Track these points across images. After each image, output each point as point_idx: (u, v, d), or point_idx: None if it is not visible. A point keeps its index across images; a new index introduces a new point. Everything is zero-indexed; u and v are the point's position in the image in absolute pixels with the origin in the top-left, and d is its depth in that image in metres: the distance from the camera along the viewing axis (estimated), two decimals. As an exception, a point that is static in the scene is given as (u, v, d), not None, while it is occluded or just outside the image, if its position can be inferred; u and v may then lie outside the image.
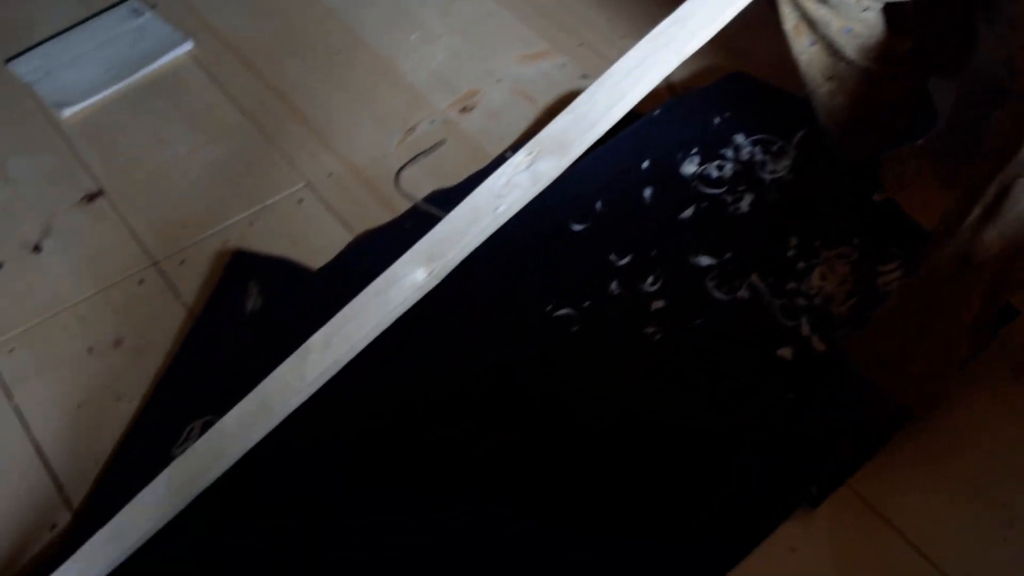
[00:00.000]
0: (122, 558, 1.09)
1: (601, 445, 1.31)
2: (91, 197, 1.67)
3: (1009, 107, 1.13)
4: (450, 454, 1.31)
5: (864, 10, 1.37)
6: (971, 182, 1.14)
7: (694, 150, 1.66)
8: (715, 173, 1.63)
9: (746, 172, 1.63)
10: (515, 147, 1.69)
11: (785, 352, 1.39)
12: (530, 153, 1.03)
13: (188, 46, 1.95)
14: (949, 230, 1.17)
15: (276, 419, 1.06)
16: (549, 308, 1.45)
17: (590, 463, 1.30)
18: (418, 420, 1.34)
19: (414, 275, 1.03)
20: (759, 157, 1.64)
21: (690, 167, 1.64)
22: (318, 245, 1.56)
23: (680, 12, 1.09)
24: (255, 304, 1.46)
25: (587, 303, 1.46)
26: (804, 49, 1.44)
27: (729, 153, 1.66)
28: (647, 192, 1.60)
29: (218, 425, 1.05)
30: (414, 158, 1.70)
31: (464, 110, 1.77)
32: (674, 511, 1.25)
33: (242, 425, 1.05)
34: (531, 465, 1.30)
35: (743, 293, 1.46)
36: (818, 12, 1.37)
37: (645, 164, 1.63)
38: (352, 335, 1.03)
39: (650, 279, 1.49)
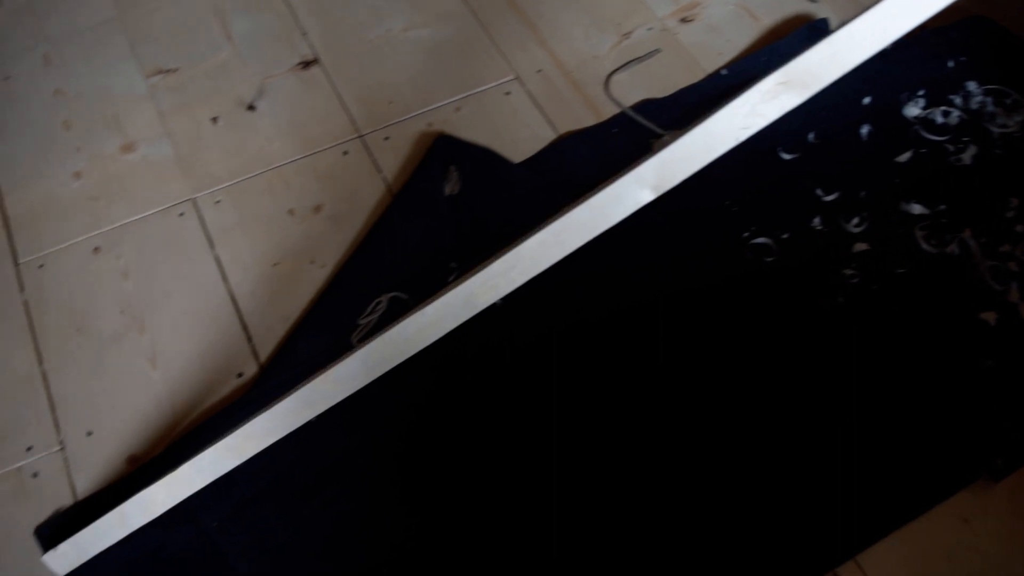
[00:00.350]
0: (307, 419, 1.14)
1: (781, 388, 1.30)
2: (306, 64, 1.71)
3: None
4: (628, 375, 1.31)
5: None
6: None
7: (920, 92, 1.59)
8: (940, 119, 1.56)
9: (973, 122, 1.55)
10: (730, 66, 1.65)
11: (988, 316, 1.34)
12: (780, 83, 1.00)
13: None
14: None
15: (471, 313, 1.08)
16: (746, 235, 1.43)
17: (770, 405, 1.28)
18: (599, 336, 1.34)
19: (640, 195, 1.03)
20: (990, 108, 1.57)
21: (913, 109, 1.57)
22: (521, 139, 1.57)
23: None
24: (453, 188, 1.48)
25: (786, 235, 1.43)
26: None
27: (958, 100, 1.58)
28: (864, 130, 1.55)
29: (419, 314, 1.07)
30: (626, 64, 1.68)
31: (684, 20, 1.74)
32: (852, 461, 1.23)
33: (441, 316, 1.07)
34: (705, 399, 1.29)
35: (953, 248, 1.41)
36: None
37: (866, 100, 1.58)
38: (566, 244, 1.03)
39: (855, 220, 1.45)
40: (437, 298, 1.06)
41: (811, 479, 1.21)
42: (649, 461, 1.24)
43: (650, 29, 1.73)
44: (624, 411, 1.27)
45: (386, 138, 1.59)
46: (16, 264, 1.46)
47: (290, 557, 1.18)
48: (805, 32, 1.68)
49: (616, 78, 1.66)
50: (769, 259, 1.41)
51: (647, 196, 1.03)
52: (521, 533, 1.19)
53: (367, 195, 1.51)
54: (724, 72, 1.64)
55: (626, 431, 1.26)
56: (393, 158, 1.56)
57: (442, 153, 1.53)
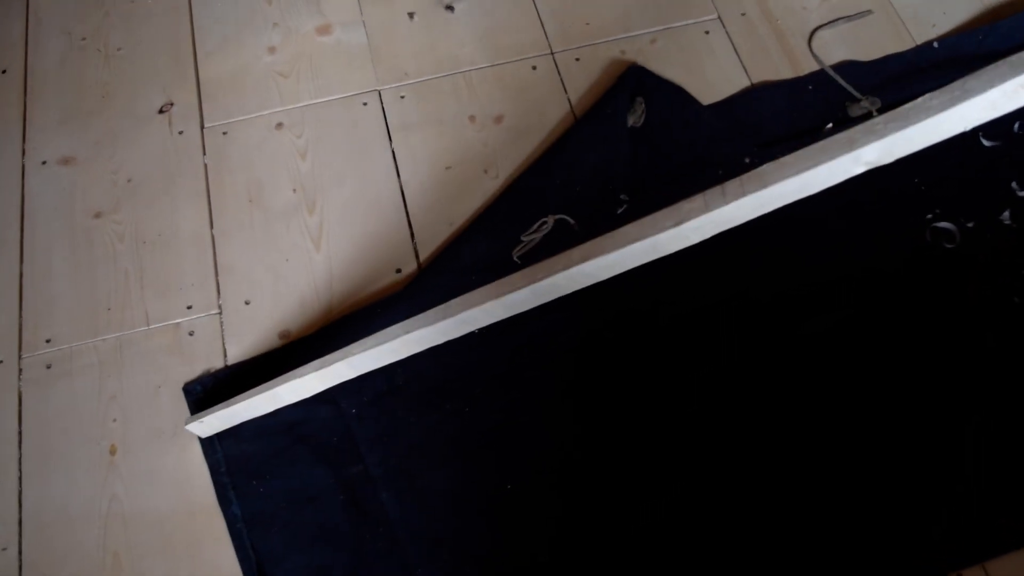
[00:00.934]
0: (459, 333, 1.15)
1: (938, 377, 1.26)
2: (510, -28, 1.70)
3: None
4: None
5: None
6: None
7: None
8: None
9: None
10: (942, 40, 1.58)
11: None
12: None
13: None
14: None
15: (654, 257, 1.06)
16: (930, 216, 1.38)
17: (923, 393, 1.25)
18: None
19: (853, 168, 0.99)
20: None
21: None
22: (713, 80, 1.54)
23: None
24: (637, 120, 1.46)
25: (971, 224, 1.37)
26: None
27: None
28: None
29: (602, 257, 1.06)
30: (834, 20, 1.62)
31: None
32: (995, 462, 1.19)
33: (624, 259, 1.05)
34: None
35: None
36: None
37: None
38: (764, 206, 1.01)
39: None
40: (620, 241, 1.05)
41: (957, 477, 1.18)
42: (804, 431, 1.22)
43: (871, -8, 1.66)
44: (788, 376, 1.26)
45: (577, 59, 1.57)
46: (202, 128, 1.51)
47: (418, 453, 1.21)
48: None
49: (820, 34, 1.61)
50: (950, 245, 1.36)
51: (859, 170, 1.00)
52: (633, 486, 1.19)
53: (550, 113, 1.51)
54: (935, 45, 1.57)
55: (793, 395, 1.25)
56: (581, 80, 1.55)
57: (632, 83, 1.51)
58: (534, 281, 1.07)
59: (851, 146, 0.99)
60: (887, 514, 1.17)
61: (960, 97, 0.98)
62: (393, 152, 1.48)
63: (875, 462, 1.20)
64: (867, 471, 1.19)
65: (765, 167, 1.02)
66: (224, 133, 1.50)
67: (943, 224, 1.38)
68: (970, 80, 1.01)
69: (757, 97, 1.52)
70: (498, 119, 1.51)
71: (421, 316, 1.14)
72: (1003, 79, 0.97)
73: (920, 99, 1.02)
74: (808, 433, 1.22)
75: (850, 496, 1.18)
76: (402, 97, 1.54)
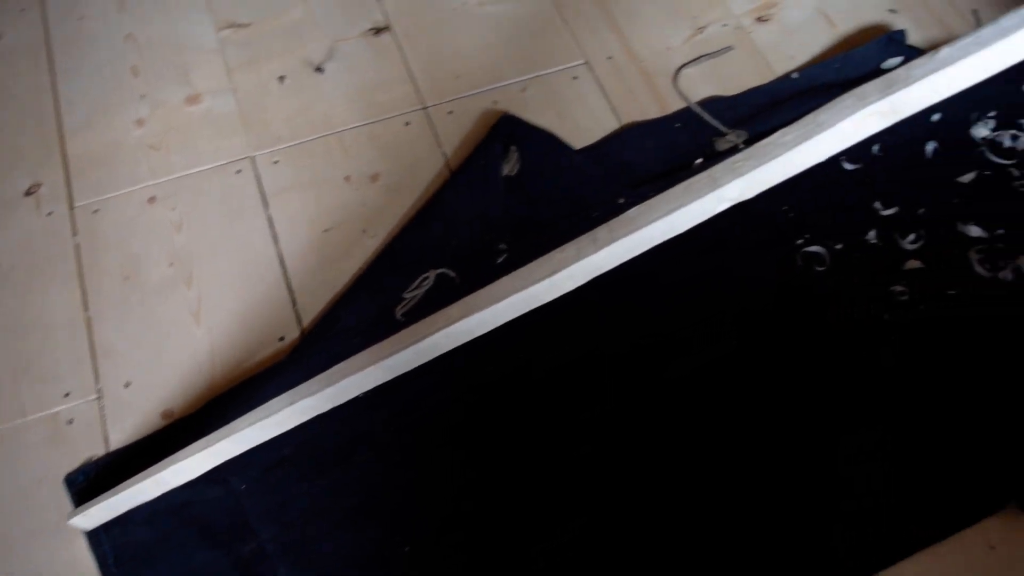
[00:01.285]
0: (343, 399, 1.15)
1: (815, 399, 1.29)
2: (378, 30, 1.71)
3: None
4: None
5: None
6: None
7: (991, 114, 1.56)
8: (1008, 142, 1.53)
9: (1043, 149, 1.53)
10: (802, 71, 1.63)
11: (1037, 345, 1.32)
12: (876, 113, 0.98)
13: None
14: None
15: (530, 307, 1.08)
16: (800, 242, 1.42)
17: (802, 415, 1.28)
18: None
19: (717, 207, 1.02)
20: (1062, 136, 1.54)
21: (982, 131, 1.55)
22: (584, 125, 1.56)
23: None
24: (512, 169, 1.48)
25: (839, 246, 1.42)
26: None
27: (1032, 127, 1.55)
28: (930, 147, 1.53)
29: (480, 313, 1.07)
30: (697, 58, 1.66)
31: (760, 19, 1.72)
32: (882, 479, 1.22)
33: (501, 313, 1.07)
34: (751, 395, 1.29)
35: (1006, 274, 1.39)
36: None
37: (935, 117, 1.55)
38: (633, 250, 1.03)
39: (911, 236, 1.43)
40: (497, 295, 1.06)
41: (839, 495, 1.21)
42: (687, 469, 1.24)
43: (725, 25, 1.71)
44: (670, 407, 1.28)
45: (450, 112, 1.59)
46: (72, 207, 1.48)
47: (311, 523, 1.20)
48: (884, 42, 1.65)
49: (685, 72, 1.65)
50: (821, 268, 1.40)
51: (723, 207, 1.03)
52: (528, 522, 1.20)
53: (425, 168, 1.52)
54: (795, 76, 1.63)
55: (674, 427, 1.26)
56: (455, 133, 1.56)
57: (504, 133, 1.54)
58: (415, 342, 1.08)
59: (714, 185, 1.02)
60: (778, 539, 1.19)
61: (813, 131, 1.03)
62: (270, 218, 1.47)
63: (761, 487, 1.22)
64: (755, 497, 1.22)
65: (632, 211, 1.04)
66: (95, 211, 1.48)
67: (813, 248, 1.42)
68: (821, 113, 1.05)
69: (628, 138, 1.56)
70: (374, 177, 1.51)
71: (305, 385, 1.13)
72: (851, 111, 1.02)
73: (776, 134, 1.06)
74: (697, 467, 1.24)
75: (742, 524, 1.20)
76: (276, 162, 1.53)
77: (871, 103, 0.97)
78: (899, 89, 0.97)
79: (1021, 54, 0.98)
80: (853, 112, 0.98)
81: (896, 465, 1.24)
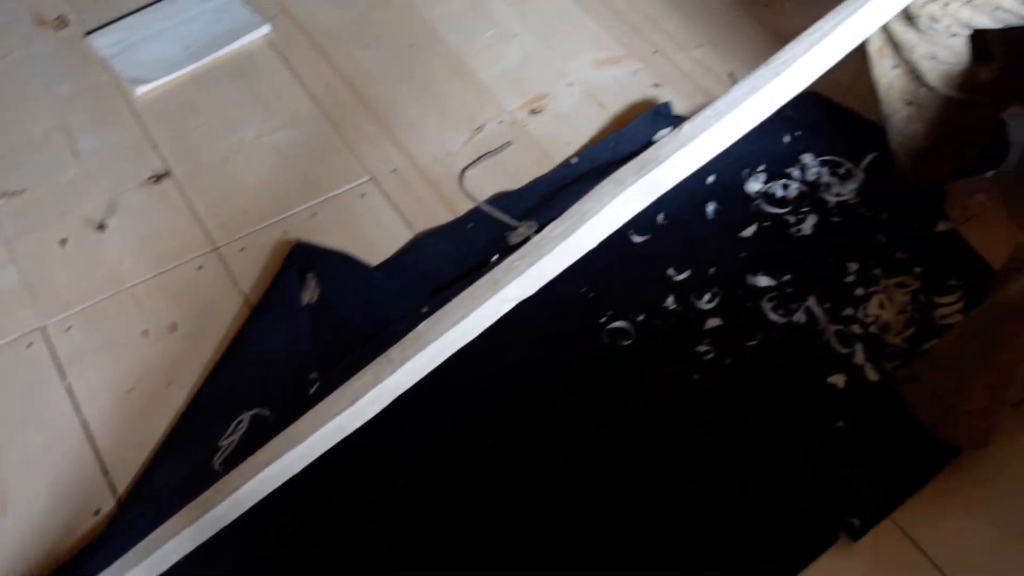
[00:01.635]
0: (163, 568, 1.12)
1: (638, 466, 1.32)
2: (158, 178, 1.70)
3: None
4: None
5: (952, 36, 1.36)
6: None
7: (761, 167, 1.65)
8: (780, 192, 1.63)
9: (811, 193, 1.62)
10: (580, 154, 1.69)
11: (837, 379, 1.39)
12: (635, 194, 1.03)
13: (265, 29, 1.98)
14: (1019, 267, 1.16)
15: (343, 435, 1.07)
16: (603, 320, 1.46)
17: (629, 484, 1.30)
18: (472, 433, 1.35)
19: (503, 307, 1.04)
20: (825, 179, 1.63)
21: (755, 184, 1.63)
22: (378, 241, 1.58)
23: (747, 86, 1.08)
24: (312, 297, 1.48)
25: (642, 317, 1.47)
26: (886, 72, 1.43)
27: (796, 173, 1.65)
28: (710, 207, 1.60)
29: (291, 452, 1.06)
30: (479, 158, 1.71)
31: (533, 112, 1.78)
32: (710, 536, 1.25)
33: (312, 448, 1.06)
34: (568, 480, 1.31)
35: (799, 316, 1.46)
36: (905, 35, 1.36)
37: (711, 179, 1.63)
38: (431, 363, 1.04)
39: (707, 296, 1.49)
40: (300, 434, 1.05)
41: (672, 547, 1.24)
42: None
43: (501, 122, 1.77)
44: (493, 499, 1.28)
45: (242, 249, 1.59)
46: None
47: None
48: (650, 116, 1.73)
49: (470, 173, 1.69)
50: (626, 342, 1.44)
51: (508, 307, 1.05)
52: None
53: (224, 310, 1.51)
54: (574, 160, 1.69)
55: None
56: (250, 269, 1.56)
57: (299, 261, 1.54)
58: (229, 493, 1.06)
59: (495, 288, 1.05)
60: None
61: (580, 221, 1.06)
62: (69, 387, 1.43)
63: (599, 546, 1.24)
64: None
65: (422, 325, 1.06)
66: None
67: (617, 324, 1.46)
68: (586, 202, 1.10)
69: (423, 246, 1.58)
70: (172, 327, 1.49)
71: (120, 562, 1.09)
72: (612, 196, 1.06)
73: (547, 228, 1.10)
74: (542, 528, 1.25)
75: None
76: (68, 328, 1.49)
77: (629, 186, 1.02)
78: (652, 168, 1.02)
79: (758, 118, 1.05)
80: (614, 197, 1.03)
81: (726, 514, 1.27)
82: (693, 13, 1.95)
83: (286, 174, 1.69)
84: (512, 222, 1.58)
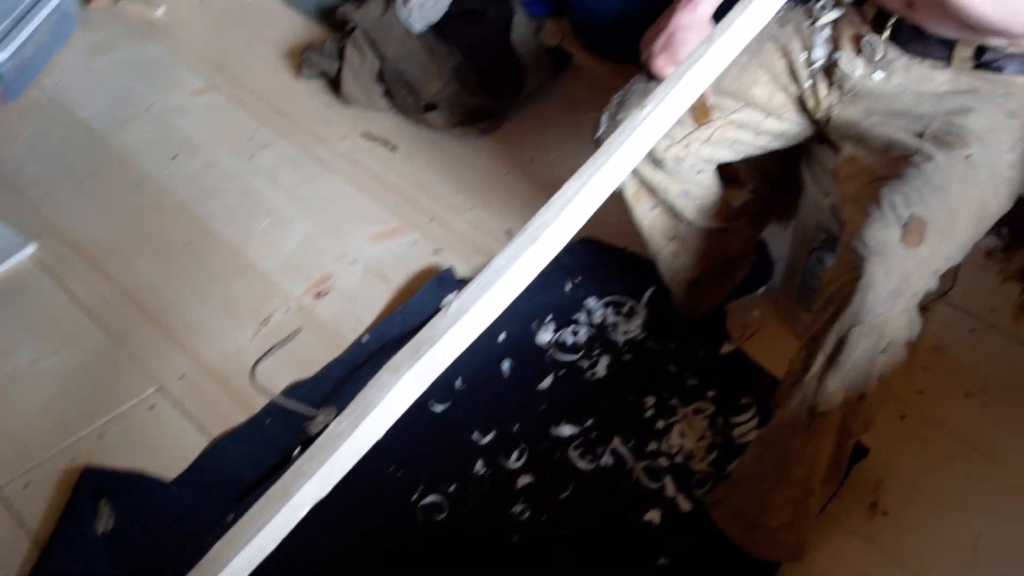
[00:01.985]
0: None
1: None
2: (-73, 420, 1.61)
3: (838, 256, 1.19)
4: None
5: (699, 172, 1.43)
6: (811, 333, 1.19)
7: (548, 318, 1.69)
8: (570, 339, 1.66)
9: (600, 335, 1.67)
10: (371, 331, 1.69)
11: (653, 515, 1.41)
12: (416, 375, 1.02)
13: (30, 250, 1.91)
14: (796, 381, 1.21)
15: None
16: (415, 497, 1.44)
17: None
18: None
19: (301, 511, 1.01)
20: (611, 319, 1.68)
21: (546, 335, 1.67)
22: (173, 453, 1.53)
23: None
24: (107, 525, 1.41)
25: (453, 487, 1.46)
26: (645, 214, 1.49)
27: (582, 318, 1.69)
28: (505, 365, 1.62)
29: None
30: (269, 350, 1.67)
31: (319, 295, 1.78)
32: None
33: None
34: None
35: (607, 459, 1.48)
36: (656, 178, 1.43)
37: (501, 337, 1.66)
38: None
39: (515, 455, 1.50)
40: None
41: None
42: None
43: (287, 310, 1.76)
44: None
45: (26, 486, 1.50)
46: None
47: None
48: (435, 284, 1.76)
49: (262, 367, 1.64)
50: (441, 516, 1.42)
51: (304, 511, 1.02)
52: None
53: (11, 553, 1.42)
54: (365, 339, 1.69)
55: None
56: (37, 506, 1.47)
57: (90, 488, 1.47)
58: None
59: (287, 496, 1.01)
60: None
61: (364, 413, 1.04)
62: None
63: None
64: None
65: (216, 547, 1.01)
66: None
67: (429, 499, 1.44)
68: (368, 392, 1.08)
69: (221, 450, 1.54)
70: (-45, 583, 1.39)
71: None
72: (391, 384, 1.05)
73: (331, 424, 1.08)
74: None
75: None
76: None
77: (406, 372, 1.01)
78: (427, 350, 1.01)
79: (527, 280, 1.06)
80: (393, 385, 1.02)
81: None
82: (462, 177, 2.00)
83: (68, 397, 1.62)
84: (310, 411, 1.54)
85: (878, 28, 1.29)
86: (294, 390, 1.61)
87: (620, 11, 2.16)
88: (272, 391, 1.59)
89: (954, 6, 1.12)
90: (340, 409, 1.52)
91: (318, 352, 1.68)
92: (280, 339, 1.69)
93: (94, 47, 2.33)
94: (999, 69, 1.26)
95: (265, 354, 1.67)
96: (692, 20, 1.31)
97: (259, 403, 1.60)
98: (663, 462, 1.48)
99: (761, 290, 1.72)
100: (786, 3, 1.39)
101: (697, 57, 1.00)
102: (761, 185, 1.62)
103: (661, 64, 1.32)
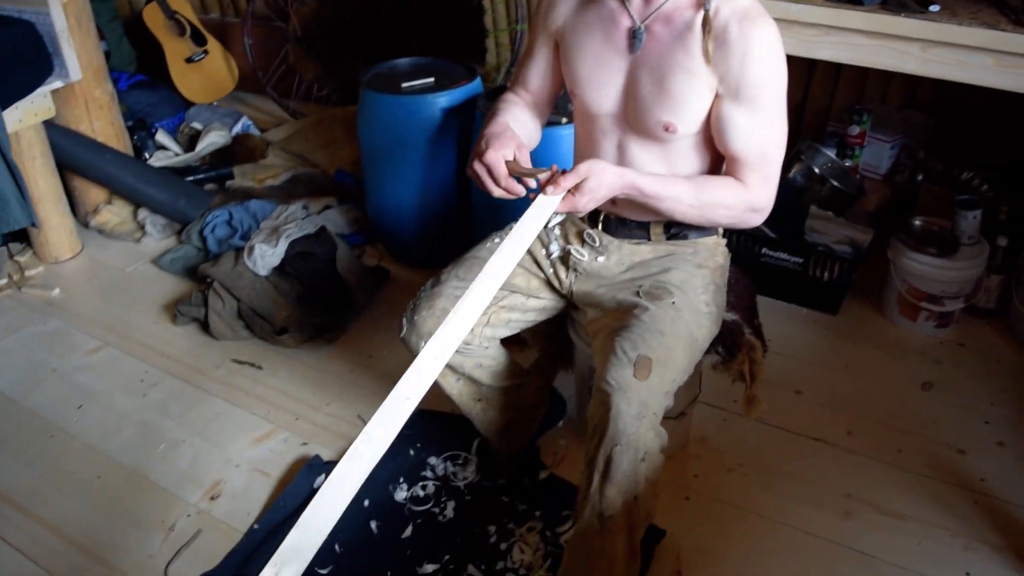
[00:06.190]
0: None
1: None
2: None
3: (593, 396, 1.26)
4: None
5: (486, 348, 1.49)
6: (587, 458, 1.25)
7: (401, 479, 1.70)
8: (421, 492, 1.68)
9: (444, 484, 1.68)
10: (260, 520, 1.67)
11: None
12: (275, 565, 1.01)
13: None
14: (584, 496, 1.26)
15: None
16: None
17: None
18: None
19: None
20: (451, 470, 1.71)
21: (401, 493, 1.68)
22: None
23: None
24: None
25: None
26: (452, 386, 1.53)
27: (428, 473, 1.71)
28: (373, 524, 1.62)
29: None
30: (177, 552, 1.63)
31: (213, 498, 1.74)
32: None
33: None
34: None
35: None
36: (453, 359, 1.47)
37: (366, 503, 1.65)
38: None
39: (389, 607, 1.48)
40: None
41: None
42: None
43: (188, 516, 1.71)
44: None
45: None
46: None
47: None
48: (306, 470, 1.75)
49: (173, 567, 1.61)
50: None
51: None
52: None
53: None
54: (256, 527, 1.65)
55: None
56: None
57: None
58: None
59: None
60: None
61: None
62: None
63: None
64: None
65: None
66: None
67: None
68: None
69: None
70: None
71: None
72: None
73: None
74: None
75: None
76: None
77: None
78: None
79: (361, 477, 1.07)
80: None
81: None
82: (318, 380, 2.02)
83: None
84: (219, 601, 1.51)
85: (592, 222, 1.41)
86: (200, 582, 1.56)
87: (419, 231, 2.27)
88: (183, 587, 1.55)
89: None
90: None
91: (218, 546, 1.63)
92: (185, 541, 1.65)
93: (3, 329, 2.27)
94: (685, 237, 1.39)
95: (174, 556, 1.64)
96: (500, 127, 1.31)
97: (173, 604, 1.54)
98: (510, 576, 1.50)
99: (561, 423, 1.78)
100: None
101: (475, 285, 1.08)
102: (544, 345, 1.70)
103: (493, 155, 1.24)
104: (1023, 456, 1.75)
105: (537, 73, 1.44)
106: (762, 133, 1.24)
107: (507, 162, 1.25)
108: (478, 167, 1.26)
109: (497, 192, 1.26)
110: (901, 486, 1.68)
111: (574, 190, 1.20)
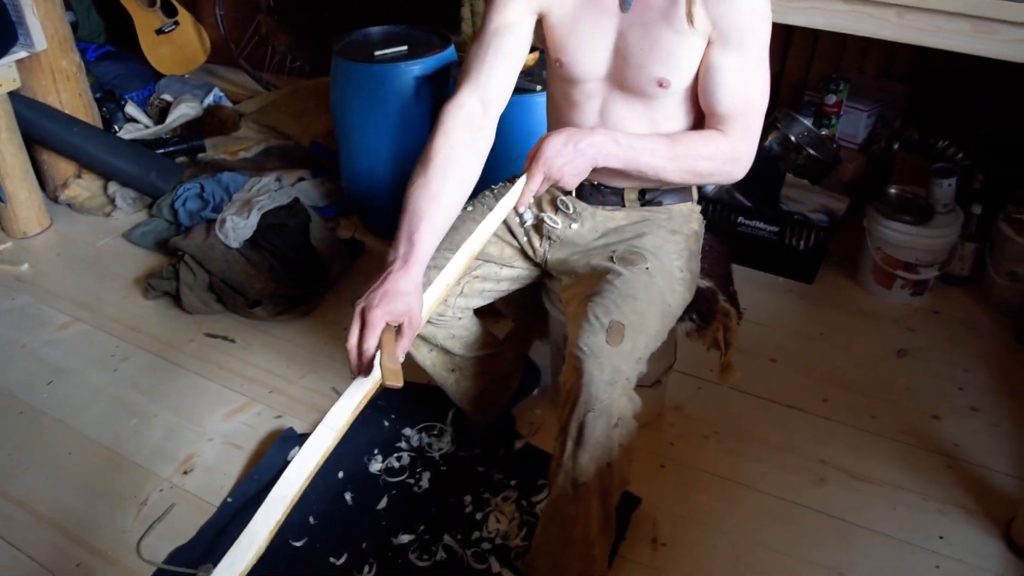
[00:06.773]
0: None
1: None
2: None
3: (566, 362, 1.24)
4: None
5: (459, 319, 1.47)
6: (560, 425, 1.23)
7: (376, 451, 1.68)
8: (396, 464, 1.66)
9: (419, 455, 1.67)
10: (233, 492, 1.64)
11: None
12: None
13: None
14: (558, 463, 1.24)
15: None
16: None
17: None
18: None
19: None
20: (426, 441, 1.69)
21: (376, 465, 1.66)
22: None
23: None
24: None
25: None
26: (425, 356, 1.51)
27: (403, 444, 1.70)
28: (348, 496, 1.60)
29: None
30: (150, 527, 1.61)
31: (186, 472, 1.72)
32: None
33: None
34: None
35: (440, 555, 1.47)
36: (426, 330, 1.45)
37: (340, 474, 1.64)
38: None
39: (366, 568, 1.47)
40: None
41: None
42: None
43: (161, 490, 1.68)
44: None
45: None
46: None
47: None
48: (279, 443, 1.72)
49: (146, 542, 1.58)
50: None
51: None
52: None
53: None
54: (230, 500, 1.63)
55: None
56: None
57: None
58: None
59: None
60: None
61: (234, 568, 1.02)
62: None
63: None
64: None
65: None
66: None
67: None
68: (234, 551, 1.06)
69: (118, 623, 1.44)
70: None
71: None
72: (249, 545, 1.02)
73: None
74: None
75: None
76: None
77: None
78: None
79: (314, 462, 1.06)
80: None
81: None
82: (291, 353, 1.99)
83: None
84: (190, 572, 1.49)
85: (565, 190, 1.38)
86: (175, 556, 1.53)
87: (393, 202, 2.23)
88: (156, 561, 1.53)
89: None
90: (215, 563, 1.48)
91: (192, 519, 1.61)
92: (158, 516, 1.63)
93: (-31, 306, 2.23)
94: (659, 203, 1.37)
95: (147, 531, 1.61)
96: (407, 283, 1.13)
97: (147, 572, 1.51)
98: (486, 546, 1.48)
99: (535, 392, 1.77)
100: (501, 183, 1.48)
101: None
102: (518, 314, 1.68)
103: (378, 315, 1.10)
104: (996, 421, 1.75)
105: (501, 64, 1.26)
106: (749, 81, 1.21)
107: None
108: (354, 326, 1.12)
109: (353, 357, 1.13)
110: (875, 452, 1.68)
111: (536, 169, 1.18)
